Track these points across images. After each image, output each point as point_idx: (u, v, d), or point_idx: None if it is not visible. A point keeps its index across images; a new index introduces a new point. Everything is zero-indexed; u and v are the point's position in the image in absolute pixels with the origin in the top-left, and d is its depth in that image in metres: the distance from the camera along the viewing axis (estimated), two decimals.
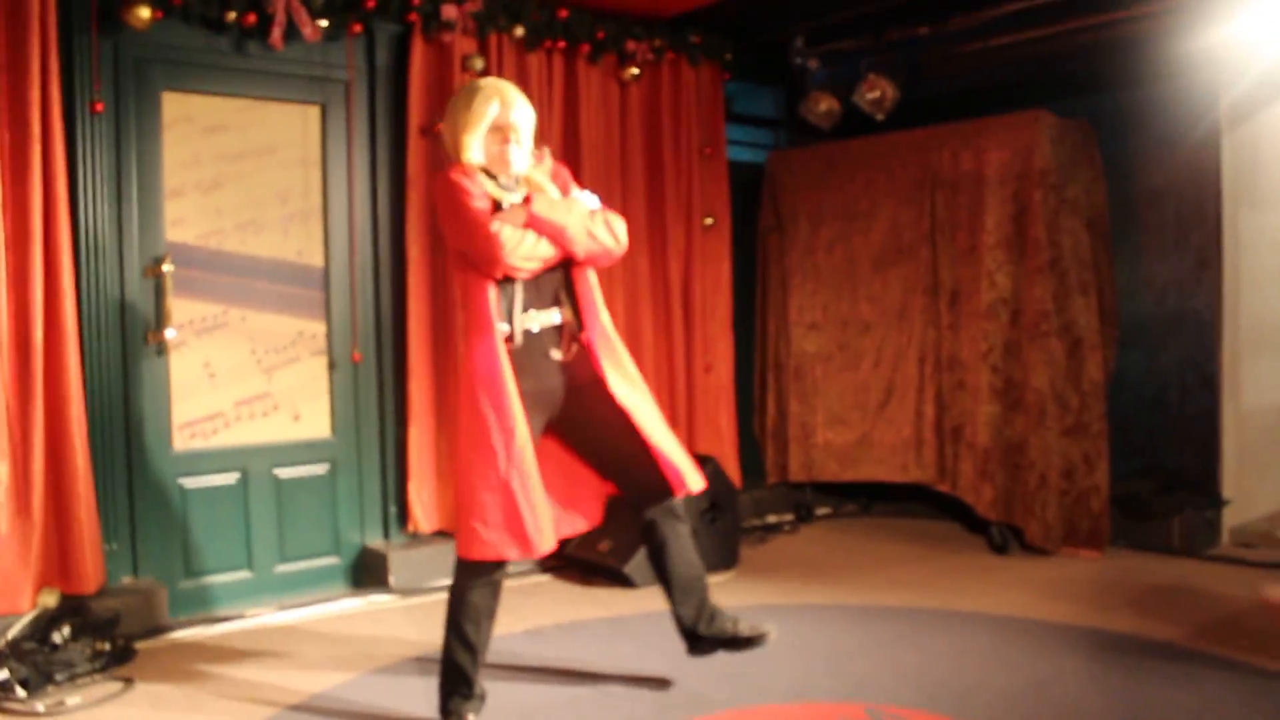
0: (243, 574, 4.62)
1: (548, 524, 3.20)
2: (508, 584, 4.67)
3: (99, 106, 4.14)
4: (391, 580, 4.77)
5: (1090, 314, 5.23)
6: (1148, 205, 5.58)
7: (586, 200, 3.39)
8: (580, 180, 5.32)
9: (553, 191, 3.35)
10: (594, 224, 3.33)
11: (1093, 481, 5.19)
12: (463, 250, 3.23)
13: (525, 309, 3.27)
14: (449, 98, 4.85)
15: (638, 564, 4.80)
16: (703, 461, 5.09)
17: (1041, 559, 5.20)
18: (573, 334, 3.37)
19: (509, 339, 3.23)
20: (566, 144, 5.38)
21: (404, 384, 4.94)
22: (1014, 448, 5.30)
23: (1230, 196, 5.34)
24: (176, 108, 4.42)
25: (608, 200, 5.47)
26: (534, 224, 3.20)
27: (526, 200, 3.23)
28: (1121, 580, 4.81)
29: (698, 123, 5.87)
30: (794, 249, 6.10)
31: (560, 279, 3.37)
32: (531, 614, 4.48)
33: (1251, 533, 5.42)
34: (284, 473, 4.72)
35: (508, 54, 5.10)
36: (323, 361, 4.81)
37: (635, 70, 5.52)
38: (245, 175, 4.59)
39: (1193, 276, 5.43)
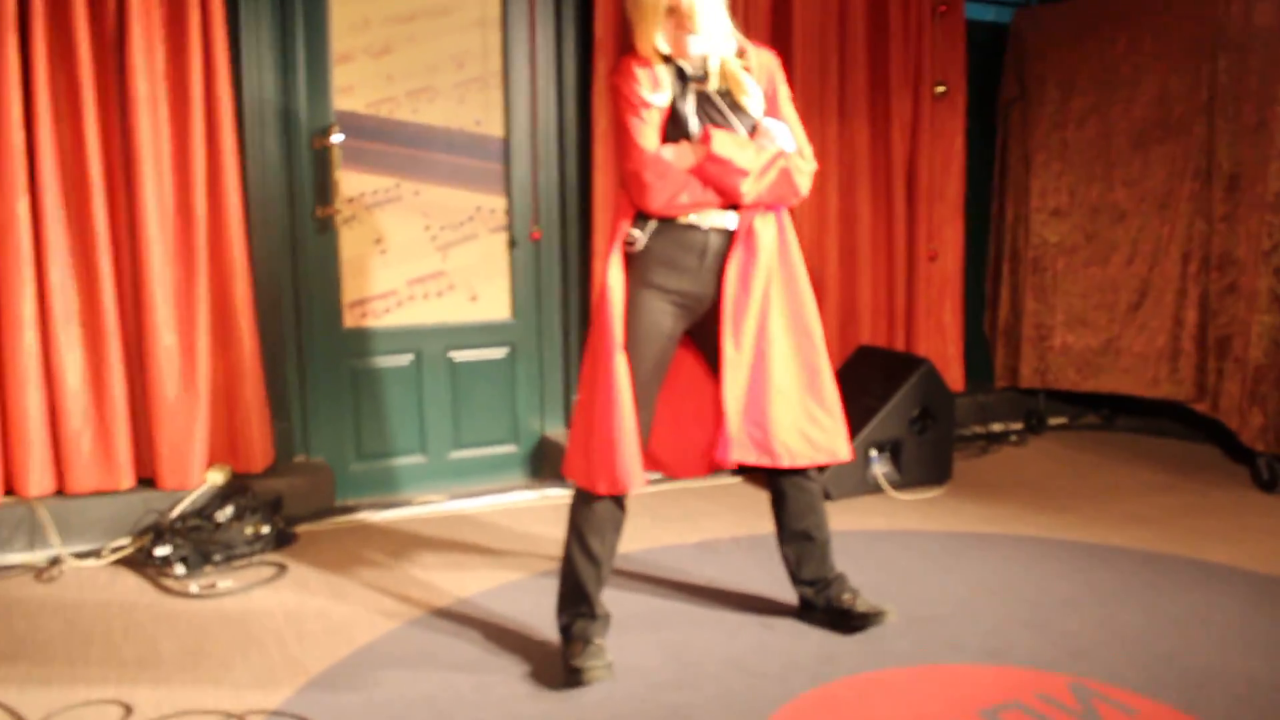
0: (415, 458, 4.47)
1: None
2: (693, 485, 4.36)
3: None
4: None
5: None
6: None
7: (779, 134, 2.82)
8: (792, 43, 4.76)
9: (753, 91, 2.82)
10: (773, 172, 2.79)
11: None
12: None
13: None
14: None
15: (835, 475, 4.34)
16: (915, 364, 4.59)
17: None
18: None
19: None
20: (776, 3, 4.76)
21: (589, 264, 4.59)
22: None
23: None
24: None
25: (824, 71, 4.87)
26: (706, 166, 2.72)
27: (706, 133, 2.74)
28: None
29: None
30: (1040, 122, 5.27)
31: None
32: (709, 523, 4.12)
33: None
34: (460, 355, 4.50)
35: None
36: (502, 239, 4.51)
37: None
38: (417, 38, 4.26)
39: None
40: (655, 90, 2.77)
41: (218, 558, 3.61)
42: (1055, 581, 3.54)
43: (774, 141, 2.81)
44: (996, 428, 5.54)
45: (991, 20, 5.60)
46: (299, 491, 4.05)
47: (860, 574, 3.45)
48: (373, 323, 4.32)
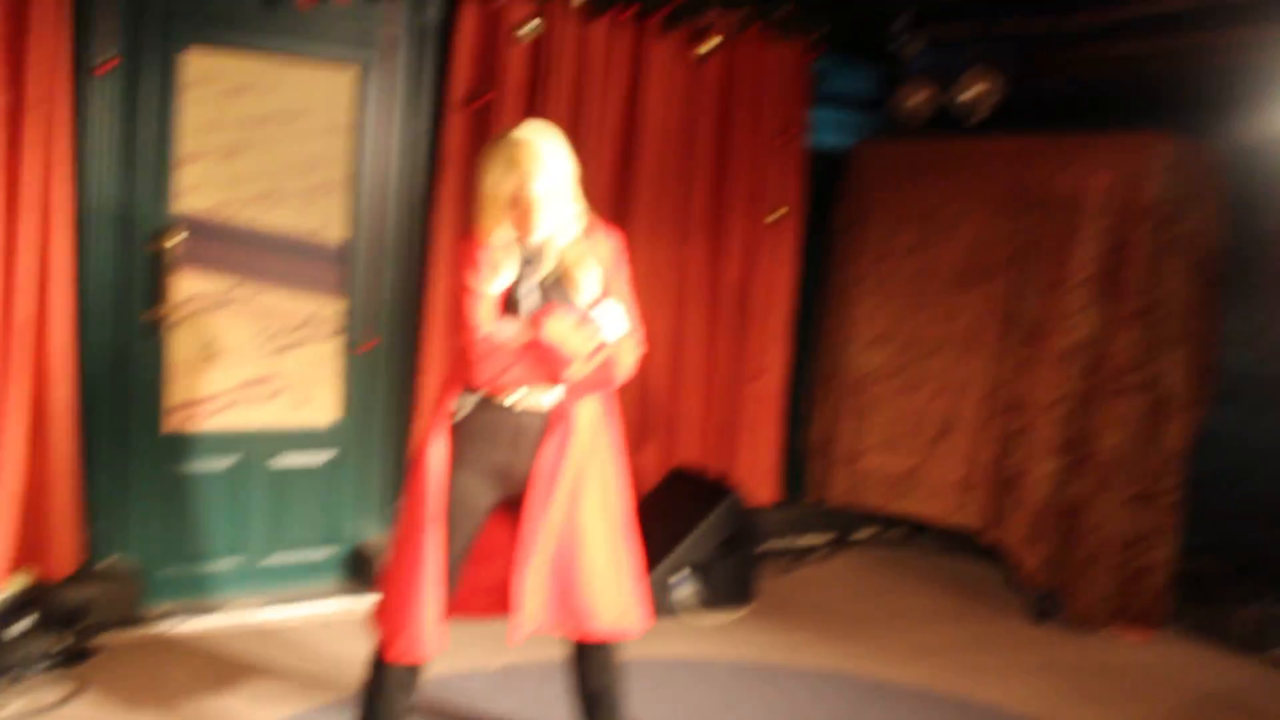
0: (231, 561, 4.46)
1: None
2: None
3: (107, 67, 3.85)
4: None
5: (1182, 371, 4.69)
6: (1272, 247, 4.93)
7: (609, 323, 2.94)
8: (638, 170, 4.95)
9: (588, 278, 2.96)
10: (596, 360, 2.92)
11: (1154, 558, 4.71)
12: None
13: None
14: (497, 69, 4.52)
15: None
16: (723, 492, 4.82)
17: (1084, 636, 4.75)
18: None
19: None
20: (625, 122, 4.97)
21: (418, 374, 4.66)
22: (1070, 510, 4.82)
23: None
24: (198, 67, 4.10)
25: (664, 193, 5.08)
26: (534, 350, 2.85)
27: (537, 318, 2.87)
28: (1167, 679, 4.36)
29: (776, 106, 5.34)
30: (867, 253, 5.60)
31: None
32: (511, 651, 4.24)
33: None
34: (284, 460, 4.51)
35: (568, 23, 4.66)
36: (335, 345, 4.55)
37: (714, 40, 5.00)
38: (267, 142, 4.28)
39: None
40: (495, 272, 2.88)
41: (7, 676, 3.54)
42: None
43: (602, 330, 2.93)
44: (805, 541, 5.81)
45: (836, 146, 5.88)
46: (106, 597, 4.00)
47: (650, 710, 3.64)
48: (198, 426, 4.31)
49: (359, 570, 4.69)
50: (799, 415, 5.96)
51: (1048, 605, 4.92)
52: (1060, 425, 4.83)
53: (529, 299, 2.91)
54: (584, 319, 2.93)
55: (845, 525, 5.91)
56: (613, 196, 4.96)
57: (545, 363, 2.86)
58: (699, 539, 4.68)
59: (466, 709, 3.67)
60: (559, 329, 2.87)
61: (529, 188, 2.83)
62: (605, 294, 2.99)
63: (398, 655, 2.90)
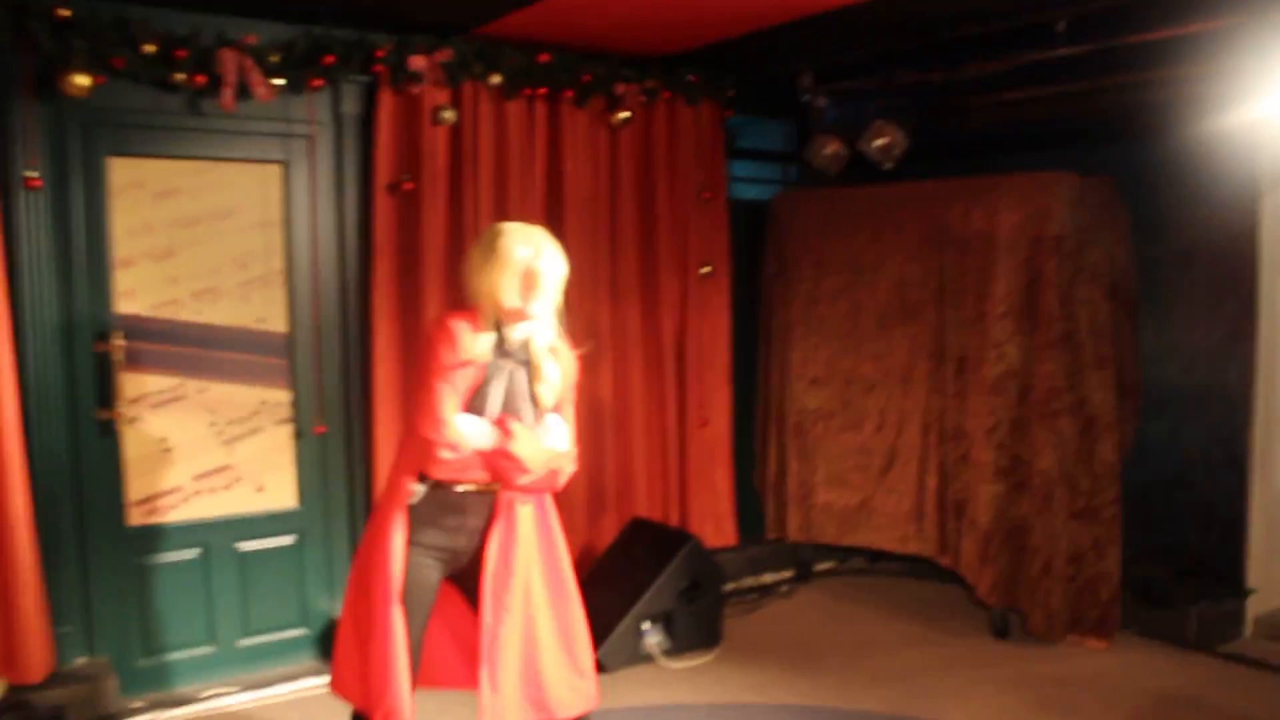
0: (204, 649, 4.51)
1: None
2: None
3: (35, 182, 3.96)
4: None
5: (1106, 390, 4.87)
6: (1178, 268, 5.17)
7: (558, 434, 3.13)
8: (566, 236, 5.10)
9: (551, 383, 3.11)
10: (546, 470, 3.07)
11: (1102, 568, 4.86)
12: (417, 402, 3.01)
13: None
14: (420, 153, 4.68)
15: (610, 648, 4.61)
16: (683, 539, 4.92)
17: (1043, 648, 4.89)
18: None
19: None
20: (550, 193, 5.14)
21: (371, 452, 4.76)
22: (1017, 530, 4.98)
23: (1269, 262, 4.92)
24: (125, 173, 4.24)
25: (595, 257, 5.24)
26: (497, 458, 2.98)
27: (507, 430, 2.99)
28: (1124, 684, 4.49)
29: (695, 164, 5.56)
30: (797, 298, 5.78)
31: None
32: None
33: (1277, 624, 5.05)
34: (247, 545, 4.58)
35: (485, 103, 4.83)
36: (287, 431, 4.64)
37: (625, 114, 5.20)
38: (201, 241, 4.40)
39: (1223, 347, 5.02)
40: (469, 358, 2.97)
41: None
42: None
43: (552, 439, 3.09)
44: (768, 579, 5.93)
45: (756, 198, 6.10)
46: (79, 698, 4.04)
47: None
48: (158, 519, 4.37)
49: (331, 645, 4.71)
50: (751, 457, 6.10)
51: (1005, 623, 5.05)
52: (998, 450, 4.99)
53: (497, 397, 3.02)
54: (544, 432, 3.08)
55: (805, 560, 6.01)
56: None
57: (506, 471, 2.99)
58: (663, 586, 4.77)
59: None
60: (528, 443, 3.00)
61: (542, 261, 3.02)
62: (558, 404, 3.15)
63: (382, 717, 2.96)
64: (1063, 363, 4.83)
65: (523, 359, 3.09)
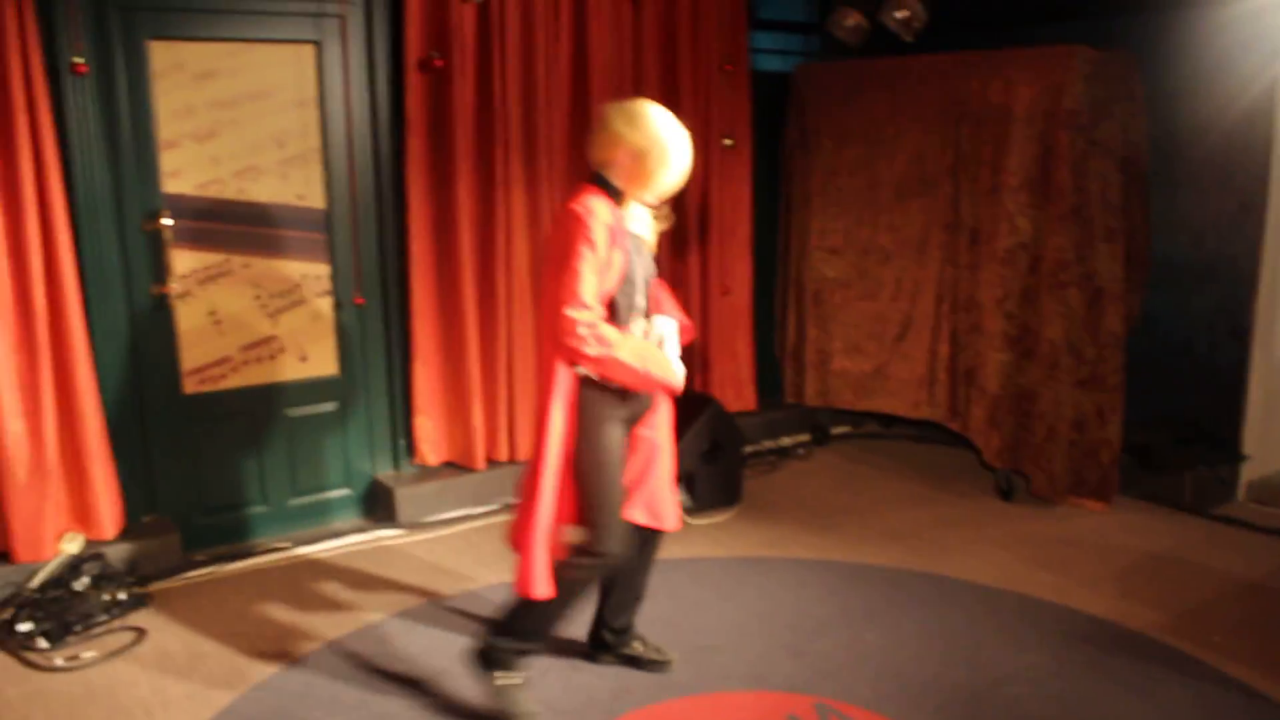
0: (257, 509, 4.84)
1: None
2: (504, 520, 4.85)
3: (81, 68, 4.10)
4: (399, 514, 4.97)
5: (1114, 262, 5.02)
6: (1191, 141, 5.25)
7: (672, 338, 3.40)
8: (590, 106, 5.23)
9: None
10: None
11: (1104, 435, 5.10)
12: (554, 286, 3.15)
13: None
14: (449, 30, 4.77)
15: None
16: (705, 402, 5.17)
17: (1045, 509, 5.18)
18: None
19: None
20: (575, 68, 5.23)
21: (408, 322, 5.01)
22: (1024, 396, 5.21)
23: None
24: (165, 56, 4.36)
25: None
26: (648, 380, 3.20)
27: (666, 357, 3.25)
28: (1119, 543, 4.78)
29: (718, 36, 5.65)
30: (817, 169, 5.90)
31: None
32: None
33: (1269, 488, 5.31)
34: (293, 411, 4.87)
35: None
36: (327, 303, 4.87)
37: None
38: (241, 121, 4.56)
39: (1233, 221, 5.14)
40: (620, 228, 3.16)
41: (78, 628, 3.92)
42: (815, 605, 4.19)
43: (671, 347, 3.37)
44: (786, 441, 6.23)
45: (778, 69, 6.17)
46: (150, 552, 4.40)
47: (654, 605, 4.02)
48: (210, 388, 4.65)
49: (375, 504, 5.08)
50: (770, 325, 6.33)
51: (1010, 484, 5.33)
52: (1008, 320, 5.18)
53: (639, 267, 3.26)
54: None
55: (821, 424, 6.29)
56: (569, 138, 5.24)
57: (652, 385, 3.25)
58: (686, 448, 5.03)
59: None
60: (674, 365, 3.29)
61: (679, 185, 3.27)
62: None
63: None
64: (1073, 235, 4.98)
65: (639, 241, 3.32)
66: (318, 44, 4.67)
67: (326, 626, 4.01)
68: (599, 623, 3.75)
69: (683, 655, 3.77)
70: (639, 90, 5.42)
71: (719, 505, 5.22)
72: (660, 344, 3.33)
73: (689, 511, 5.08)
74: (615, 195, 3.20)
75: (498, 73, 4.90)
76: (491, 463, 5.26)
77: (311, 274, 4.82)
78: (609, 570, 3.43)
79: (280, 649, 3.84)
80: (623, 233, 3.19)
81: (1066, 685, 3.59)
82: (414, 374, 5.05)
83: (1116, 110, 5.03)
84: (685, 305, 5.80)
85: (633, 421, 3.39)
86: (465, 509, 5.13)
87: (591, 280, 3.07)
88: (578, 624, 3.85)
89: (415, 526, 4.96)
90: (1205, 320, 5.30)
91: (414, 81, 4.78)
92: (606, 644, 3.75)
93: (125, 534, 4.41)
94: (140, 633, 3.95)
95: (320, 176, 4.77)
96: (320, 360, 4.91)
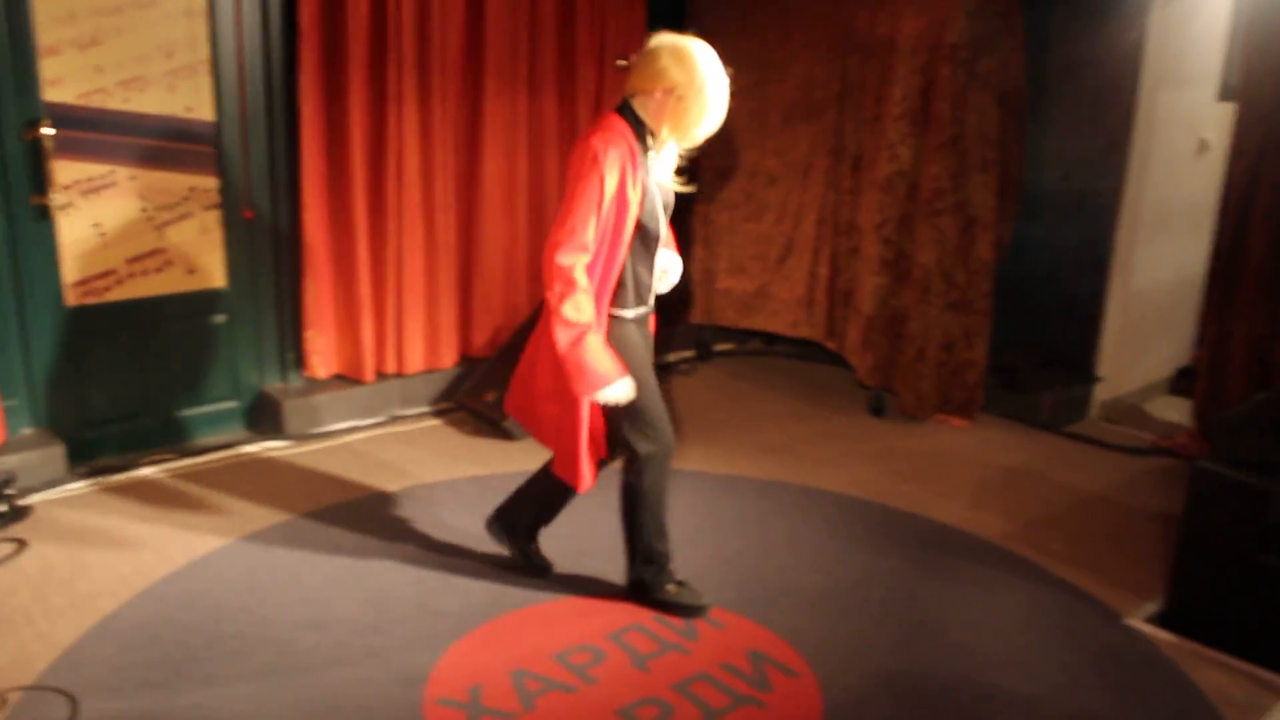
0: (142, 420, 4.86)
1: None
2: (396, 429, 4.93)
3: None
4: (286, 426, 5.05)
5: (988, 193, 5.25)
6: (1066, 78, 5.47)
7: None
8: (485, 23, 5.25)
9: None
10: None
11: (971, 356, 5.38)
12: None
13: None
14: None
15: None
16: None
17: (913, 425, 5.47)
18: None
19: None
20: None
21: (298, 236, 5.04)
22: (897, 319, 5.46)
23: (1151, 75, 5.25)
24: None
25: (514, 48, 5.40)
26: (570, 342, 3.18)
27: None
28: (978, 458, 5.09)
29: None
30: None
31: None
32: (413, 468, 4.78)
33: (1118, 408, 5.67)
34: (181, 324, 4.88)
35: None
36: (216, 216, 4.87)
37: None
38: (125, 29, 4.49)
39: (1101, 156, 5.40)
40: (634, 171, 3.14)
41: None
42: (688, 515, 4.40)
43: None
44: (672, 357, 6.42)
45: None
46: (31, 464, 4.41)
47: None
48: (95, 300, 4.63)
49: (263, 416, 5.15)
50: None
51: (880, 402, 5.60)
52: (885, 245, 5.41)
53: (657, 202, 3.28)
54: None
55: (705, 341, 6.49)
56: (465, 54, 5.27)
57: (573, 377, 3.21)
58: None
59: (376, 523, 4.20)
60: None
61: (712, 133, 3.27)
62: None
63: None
64: (949, 166, 5.19)
65: (668, 185, 3.35)
66: None
67: (211, 535, 4.11)
68: (535, 520, 3.86)
69: (559, 561, 3.95)
70: (535, 8, 5.45)
71: None
72: (663, 276, 3.47)
73: None
74: (639, 127, 3.20)
75: None
76: (380, 375, 5.36)
77: (200, 187, 4.81)
78: (670, 457, 3.54)
79: (164, 557, 3.92)
80: (640, 165, 3.17)
81: (917, 586, 3.87)
82: (304, 287, 5.10)
83: (998, 45, 5.22)
84: None
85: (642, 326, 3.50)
86: (353, 420, 5.24)
87: (592, 220, 3.07)
88: (456, 536, 4.02)
89: (302, 438, 5.05)
90: (1071, 251, 5.58)
91: None
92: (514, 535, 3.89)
93: (5, 446, 4.40)
94: (21, 544, 3.98)
95: (210, 88, 4.73)
96: (208, 273, 4.92)
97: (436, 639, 3.44)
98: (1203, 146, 5.73)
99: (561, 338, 3.13)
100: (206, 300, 4.94)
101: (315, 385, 5.23)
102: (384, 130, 5.05)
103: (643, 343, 3.46)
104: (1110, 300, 5.50)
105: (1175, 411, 5.83)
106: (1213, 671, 3.40)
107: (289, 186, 5.01)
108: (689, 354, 6.50)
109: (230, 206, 4.89)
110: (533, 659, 3.36)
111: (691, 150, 3.34)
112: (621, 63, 5.79)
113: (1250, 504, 3.41)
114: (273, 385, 5.19)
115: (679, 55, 3.16)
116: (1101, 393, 5.62)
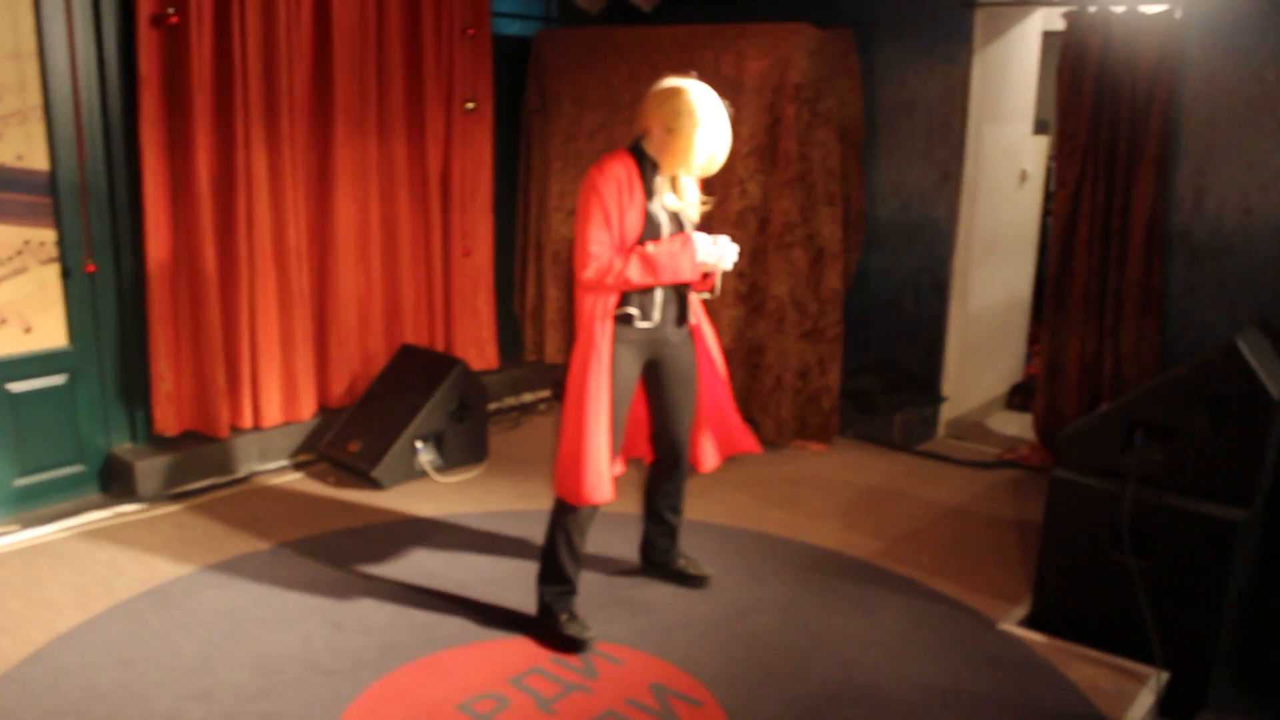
0: None
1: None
2: (256, 484, 4.81)
3: None
4: (139, 488, 4.80)
5: (835, 225, 5.47)
6: (901, 114, 5.76)
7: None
8: (335, 73, 5.18)
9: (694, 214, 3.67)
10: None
11: (825, 382, 5.57)
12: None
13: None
14: None
15: (386, 466, 4.97)
16: (451, 363, 5.27)
17: (774, 452, 5.60)
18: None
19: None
20: (317, 28, 5.15)
21: (144, 289, 4.81)
22: (754, 350, 5.61)
23: (976, 111, 5.57)
24: None
25: (363, 92, 5.33)
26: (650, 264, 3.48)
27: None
28: (840, 480, 5.27)
29: (460, 1, 5.66)
30: (557, 133, 6.07)
31: None
32: (280, 525, 4.60)
33: (963, 425, 5.97)
34: (18, 386, 4.58)
35: None
36: (54, 270, 4.61)
37: None
38: None
39: (936, 187, 5.70)
40: (630, 193, 3.44)
41: None
42: None
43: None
44: (528, 397, 6.41)
45: (519, 34, 6.27)
46: None
47: (416, 561, 4.15)
48: None
49: (114, 479, 4.88)
50: (511, 285, 6.47)
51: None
52: (739, 279, 5.55)
53: (660, 227, 3.54)
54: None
55: (562, 380, 6.46)
56: (313, 99, 5.18)
57: (675, 273, 3.55)
58: (434, 408, 5.14)
59: (250, 580, 4.03)
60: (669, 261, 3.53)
61: (714, 168, 3.51)
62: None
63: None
64: (798, 200, 5.38)
65: (672, 207, 3.58)
66: None
67: (71, 609, 3.86)
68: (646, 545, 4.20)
69: (444, 609, 3.89)
70: (381, 53, 5.39)
71: (468, 462, 5.35)
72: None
73: (438, 469, 5.18)
74: (645, 161, 3.51)
75: (237, 31, 4.75)
76: (235, 429, 5.16)
77: (36, 239, 4.54)
78: (585, 519, 3.73)
79: (20, 638, 3.66)
80: (636, 189, 3.45)
81: (800, 611, 3.97)
82: (151, 341, 4.86)
83: (837, 84, 5.46)
84: (427, 266, 5.86)
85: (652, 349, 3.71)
86: (210, 479, 5.02)
87: (602, 235, 3.41)
88: (334, 591, 3.91)
89: (158, 500, 4.81)
90: (912, 277, 5.85)
91: (147, 37, 4.57)
92: (656, 562, 4.19)
93: None
94: None
95: (42, 135, 4.49)
96: (47, 331, 4.64)
97: (333, 700, 3.33)
98: (1024, 176, 6.13)
99: (642, 277, 3.47)
100: (46, 360, 4.65)
101: (168, 443, 4.99)
102: (232, 176, 4.89)
103: (636, 364, 3.66)
104: (950, 323, 5.79)
105: (1014, 425, 6.17)
106: (1083, 666, 3.61)
107: (132, 237, 4.78)
108: (546, 394, 6.50)
109: (70, 259, 4.63)
110: (436, 713, 3.29)
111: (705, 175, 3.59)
112: (470, 105, 5.79)
113: (1103, 507, 3.65)
114: (122, 446, 4.92)
115: (674, 93, 3.46)
116: (946, 411, 5.90)
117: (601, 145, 5.95)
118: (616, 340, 3.55)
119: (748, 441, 4.03)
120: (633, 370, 3.65)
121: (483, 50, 5.86)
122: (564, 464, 3.60)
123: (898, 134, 5.77)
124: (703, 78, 5.44)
